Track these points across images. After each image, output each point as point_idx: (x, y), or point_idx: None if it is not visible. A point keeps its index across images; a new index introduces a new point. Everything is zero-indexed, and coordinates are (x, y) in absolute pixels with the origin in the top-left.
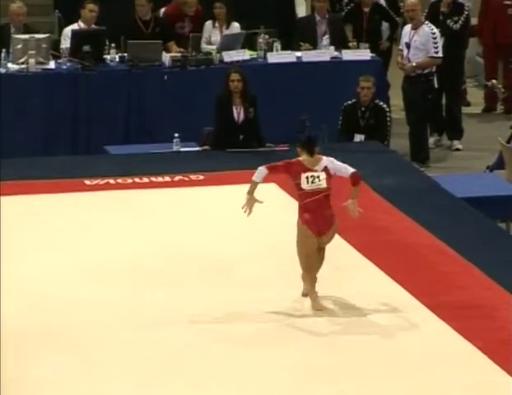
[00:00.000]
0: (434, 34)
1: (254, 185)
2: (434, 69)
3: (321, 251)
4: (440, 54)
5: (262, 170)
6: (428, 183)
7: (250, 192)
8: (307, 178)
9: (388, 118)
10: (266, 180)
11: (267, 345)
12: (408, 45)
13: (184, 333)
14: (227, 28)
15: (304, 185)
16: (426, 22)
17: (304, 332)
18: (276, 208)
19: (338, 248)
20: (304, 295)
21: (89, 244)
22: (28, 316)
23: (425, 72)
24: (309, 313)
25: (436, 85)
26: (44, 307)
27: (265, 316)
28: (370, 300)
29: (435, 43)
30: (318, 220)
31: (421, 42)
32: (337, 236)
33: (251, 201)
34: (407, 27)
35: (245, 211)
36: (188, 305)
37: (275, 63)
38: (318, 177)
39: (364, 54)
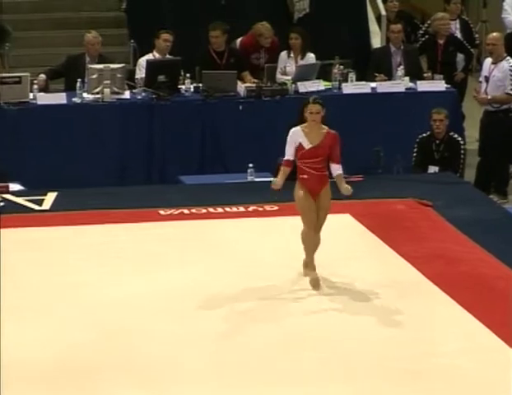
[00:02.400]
0: None
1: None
2: None
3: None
4: None
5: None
6: (502, 215)
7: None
8: None
9: (462, 151)
10: (338, 209)
11: None
12: (487, 79)
13: (260, 367)
14: (302, 58)
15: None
16: (507, 58)
17: None
18: (350, 238)
19: (412, 279)
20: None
21: (163, 275)
22: (101, 348)
23: (503, 108)
24: None
25: None
26: (117, 339)
27: None
28: (442, 328)
29: None
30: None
31: (498, 77)
32: (410, 266)
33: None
34: (488, 61)
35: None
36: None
37: (350, 94)
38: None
39: (439, 85)
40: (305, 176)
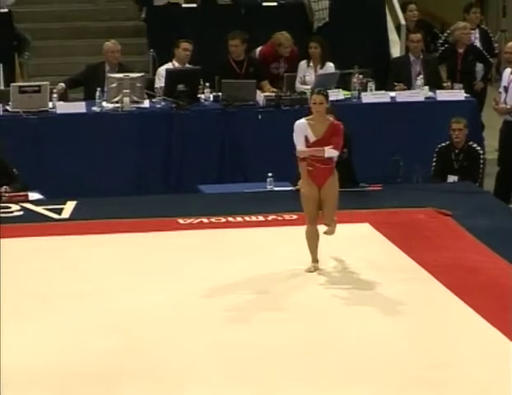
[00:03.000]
0: None
1: None
2: None
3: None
4: None
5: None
6: None
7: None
8: None
9: (481, 161)
10: (357, 219)
11: None
12: (506, 89)
13: (281, 374)
14: (322, 68)
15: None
16: None
17: None
18: (369, 247)
19: (431, 288)
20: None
21: (182, 284)
22: (119, 356)
23: None
24: None
25: None
26: (135, 347)
27: None
28: (461, 337)
29: None
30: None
31: None
32: (429, 275)
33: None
34: (507, 71)
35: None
36: (287, 346)
37: (369, 103)
38: None
39: (458, 95)
40: (310, 168)
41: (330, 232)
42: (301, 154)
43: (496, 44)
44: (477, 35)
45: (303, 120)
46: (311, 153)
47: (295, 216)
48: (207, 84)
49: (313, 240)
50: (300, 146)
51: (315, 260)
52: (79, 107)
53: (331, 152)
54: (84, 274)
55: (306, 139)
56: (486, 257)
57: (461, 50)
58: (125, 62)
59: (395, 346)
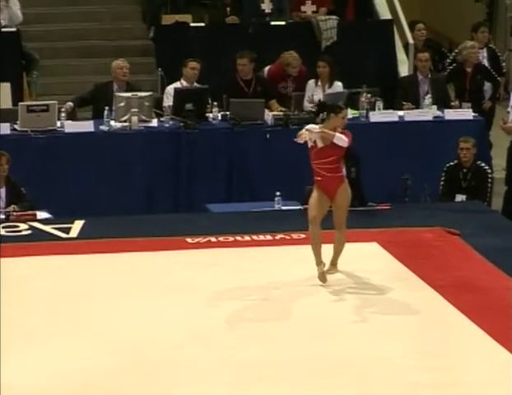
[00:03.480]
0: None
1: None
2: None
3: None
4: None
5: None
6: None
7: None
8: None
9: (489, 180)
10: (365, 238)
11: None
12: None
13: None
14: (330, 87)
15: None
16: None
17: None
18: (377, 267)
19: (439, 308)
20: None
21: (190, 303)
22: (126, 375)
23: None
24: None
25: None
26: (142, 366)
27: None
28: (469, 357)
29: None
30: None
31: None
32: (437, 295)
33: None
34: None
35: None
36: (295, 363)
37: (377, 122)
38: None
39: (466, 114)
40: (319, 178)
41: (332, 271)
42: (313, 135)
43: (504, 63)
44: (485, 55)
45: (316, 126)
46: (322, 135)
47: (303, 236)
48: (215, 103)
49: (316, 245)
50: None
51: (320, 262)
52: (87, 126)
53: (340, 138)
54: (91, 293)
55: (315, 144)
56: (494, 276)
57: (469, 69)
58: (133, 81)
59: (401, 364)
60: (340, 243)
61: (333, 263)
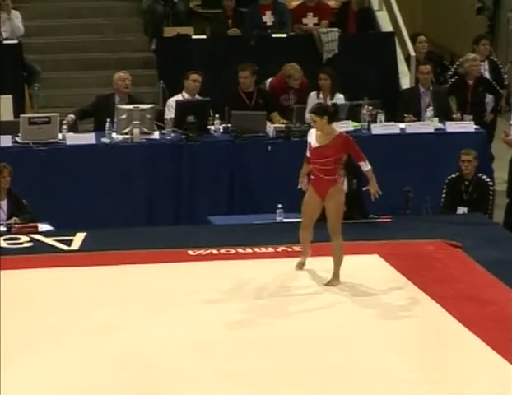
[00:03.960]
0: None
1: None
2: None
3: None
4: None
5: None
6: None
7: (303, 174)
8: None
9: (491, 192)
10: (366, 250)
11: None
12: None
13: None
14: (331, 99)
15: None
16: None
17: None
18: (378, 279)
19: (440, 320)
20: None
21: (192, 315)
22: (130, 389)
23: None
24: None
25: None
26: (145, 380)
27: None
28: (470, 369)
29: None
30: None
31: None
32: (439, 307)
33: (304, 180)
34: None
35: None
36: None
37: (378, 135)
38: None
39: (468, 126)
40: (313, 177)
41: (334, 283)
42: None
43: (506, 76)
44: (487, 67)
45: (313, 129)
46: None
47: None
48: (217, 115)
49: (306, 242)
50: (307, 154)
51: (305, 253)
52: (89, 138)
53: (364, 166)
54: (93, 306)
55: (309, 145)
56: (496, 288)
57: (471, 82)
58: (135, 93)
59: (401, 376)
60: (337, 256)
61: (335, 275)
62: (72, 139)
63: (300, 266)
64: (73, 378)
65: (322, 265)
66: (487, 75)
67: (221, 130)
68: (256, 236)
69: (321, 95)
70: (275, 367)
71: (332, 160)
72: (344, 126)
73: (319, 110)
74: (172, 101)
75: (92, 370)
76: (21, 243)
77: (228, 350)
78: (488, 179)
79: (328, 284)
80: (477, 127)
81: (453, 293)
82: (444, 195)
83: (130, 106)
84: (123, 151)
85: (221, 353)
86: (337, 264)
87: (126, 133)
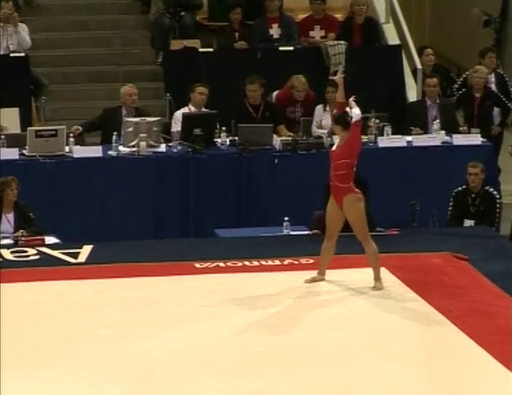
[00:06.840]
0: None
1: None
2: None
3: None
4: None
5: None
6: None
7: None
8: None
9: (497, 205)
10: None
11: None
12: None
13: None
14: None
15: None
16: None
17: None
18: (385, 292)
19: (447, 333)
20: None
21: (198, 328)
22: None
23: None
24: None
25: None
26: (151, 392)
27: None
28: (478, 382)
29: None
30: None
31: None
32: (445, 320)
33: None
34: None
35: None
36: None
37: (385, 147)
38: None
39: (475, 139)
40: (331, 183)
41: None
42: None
43: None
44: (493, 80)
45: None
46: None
47: (311, 261)
48: (224, 128)
49: (325, 255)
50: None
51: (322, 273)
52: (95, 151)
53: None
54: (100, 318)
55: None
56: (503, 301)
57: (478, 95)
58: (141, 106)
59: (410, 391)
60: (372, 260)
61: (376, 278)
62: (79, 152)
63: (311, 280)
64: (79, 390)
65: (329, 277)
66: (494, 88)
67: (228, 143)
68: (263, 249)
69: (328, 108)
70: (283, 382)
71: (347, 165)
72: None
73: (338, 119)
74: (179, 114)
75: (97, 384)
76: (28, 256)
77: (235, 364)
78: (495, 192)
79: (374, 288)
80: (484, 140)
81: (459, 306)
82: (450, 208)
83: (137, 119)
84: (129, 163)
85: (228, 367)
86: (376, 267)
87: (133, 146)
